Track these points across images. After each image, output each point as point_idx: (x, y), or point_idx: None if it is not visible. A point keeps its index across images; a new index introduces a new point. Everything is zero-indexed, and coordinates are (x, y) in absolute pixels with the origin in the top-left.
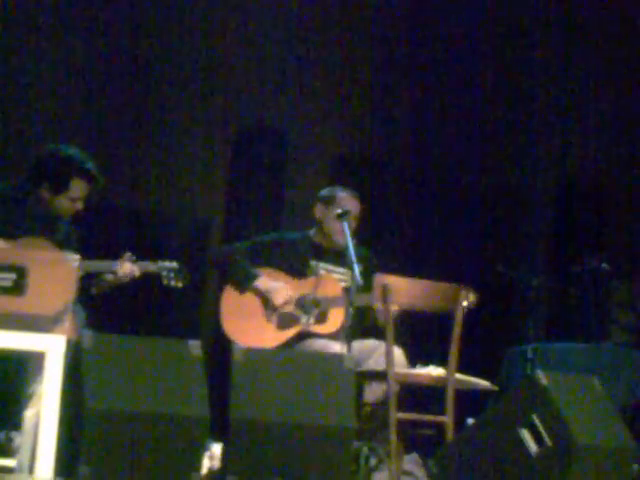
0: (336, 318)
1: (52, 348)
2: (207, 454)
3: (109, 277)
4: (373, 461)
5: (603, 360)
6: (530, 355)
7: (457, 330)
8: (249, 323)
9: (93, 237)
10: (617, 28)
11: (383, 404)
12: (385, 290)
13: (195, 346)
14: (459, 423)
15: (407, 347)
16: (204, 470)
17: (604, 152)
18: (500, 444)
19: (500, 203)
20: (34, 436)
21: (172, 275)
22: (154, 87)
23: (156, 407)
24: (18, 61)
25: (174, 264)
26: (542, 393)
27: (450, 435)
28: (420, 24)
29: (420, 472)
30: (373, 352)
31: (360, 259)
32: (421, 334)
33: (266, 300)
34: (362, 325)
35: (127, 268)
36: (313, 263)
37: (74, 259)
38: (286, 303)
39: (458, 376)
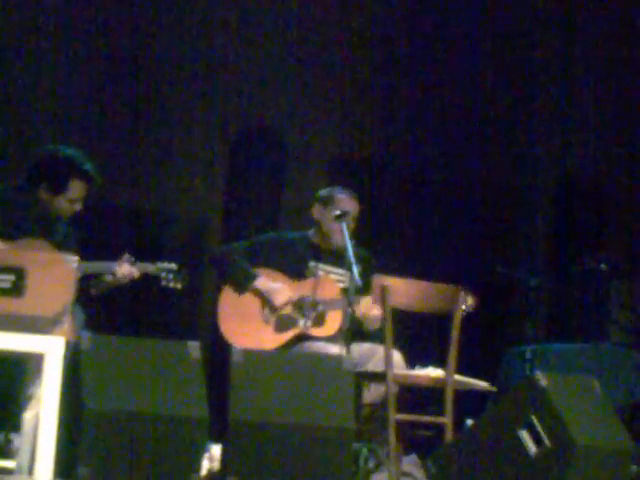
0: (334, 321)
1: (51, 349)
2: (206, 455)
3: (108, 278)
4: (372, 462)
5: (602, 360)
6: (529, 356)
7: (456, 331)
8: (247, 325)
9: (92, 238)
10: (617, 28)
11: (382, 405)
12: (384, 291)
13: (194, 347)
14: (458, 424)
15: (406, 348)
16: (203, 471)
17: (604, 152)
18: (499, 445)
19: (500, 203)
20: (33, 438)
21: (171, 276)
22: (154, 87)
23: (155, 408)
24: (18, 61)
25: (173, 265)
26: (541, 394)
27: (449, 436)
28: (420, 24)
29: (419, 473)
30: (372, 355)
31: (359, 260)
32: (420, 335)
33: (265, 301)
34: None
35: (126, 269)
36: (312, 264)
37: (73, 260)
38: (286, 304)
39: (457, 377)
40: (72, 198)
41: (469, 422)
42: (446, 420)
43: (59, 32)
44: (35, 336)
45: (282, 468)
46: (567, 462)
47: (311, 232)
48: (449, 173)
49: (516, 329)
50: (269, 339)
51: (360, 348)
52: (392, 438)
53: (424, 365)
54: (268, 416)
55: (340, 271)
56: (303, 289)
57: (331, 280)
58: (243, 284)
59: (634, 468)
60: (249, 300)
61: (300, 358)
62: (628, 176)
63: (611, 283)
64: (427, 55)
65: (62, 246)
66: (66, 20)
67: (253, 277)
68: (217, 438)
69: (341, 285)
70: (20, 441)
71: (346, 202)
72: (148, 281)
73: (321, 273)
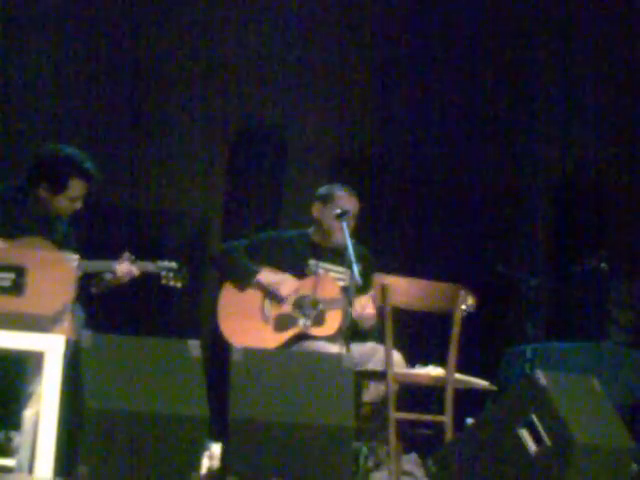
0: (334, 320)
1: (51, 348)
2: (206, 454)
3: (108, 277)
4: (372, 461)
5: (603, 360)
6: (529, 355)
7: (456, 330)
8: (246, 325)
9: (92, 237)
10: (617, 28)
11: (382, 404)
12: (384, 290)
13: (194, 346)
14: (458, 423)
15: (406, 348)
16: (203, 470)
17: (604, 152)
18: (499, 444)
19: (500, 203)
20: (33, 436)
21: (171, 275)
22: (154, 87)
23: (155, 407)
24: (18, 61)
25: (173, 264)
26: (541, 393)
27: (449, 435)
28: (420, 24)
29: (419, 472)
30: (373, 355)
31: (359, 259)
32: (420, 334)
33: (269, 294)
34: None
35: (126, 268)
36: (312, 262)
37: (73, 259)
38: (293, 292)
39: (457, 376)
40: (72, 197)
41: (469, 421)
42: (446, 419)
43: (59, 32)
44: (35, 334)
45: (282, 467)
46: (567, 461)
47: (311, 230)
48: (449, 173)
49: (516, 329)
50: (269, 338)
51: (360, 348)
52: (392, 437)
53: (424, 364)
54: (268, 415)
55: (340, 269)
56: (303, 288)
57: (332, 279)
58: (246, 279)
59: (634, 467)
60: (249, 299)
61: (300, 357)
62: (628, 176)
63: (611, 283)
64: (427, 55)
65: (62, 245)
66: (66, 20)
67: (255, 271)
68: (217, 437)
69: (341, 283)
70: (20, 439)
71: (346, 200)
72: (148, 280)
73: (321, 271)
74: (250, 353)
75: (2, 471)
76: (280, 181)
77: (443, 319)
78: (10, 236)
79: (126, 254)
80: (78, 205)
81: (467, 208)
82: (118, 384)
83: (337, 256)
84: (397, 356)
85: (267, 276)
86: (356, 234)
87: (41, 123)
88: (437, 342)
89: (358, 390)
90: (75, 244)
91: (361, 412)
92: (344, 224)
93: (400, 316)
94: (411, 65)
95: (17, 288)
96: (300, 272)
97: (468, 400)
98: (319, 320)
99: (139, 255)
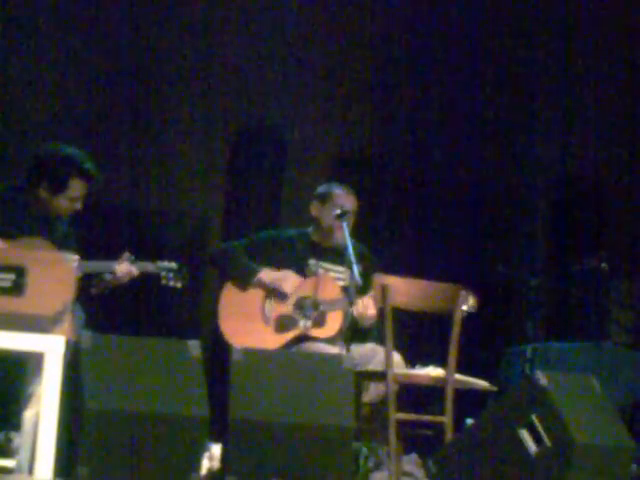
0: (334, 322)
1: (51, 348)
2: (206, 454)
3: (108, 277)
4: (372, 461)
5: (603, 360)
6: (529, 355)
7: (456, 330)
8: (247, 325)
9: (92, 237)
10: (617, 28)
11: (382, 404)
12: (384, 290)
13: (194, 346)
14: (458, 423)
15: (406, 348)
16: (203, 470)
17: (604, 152)
18: (499, 444)
19: (500, 203)
20: (33, 436)
21: (171, 275)
22: (154, 87)
23: (155, 407)
24: (18, 61)
25: (173, 264)
26: (541, 393)
27: (449, 435)
28: (420, 24)
29: (420, 472)
30: (373, 357)
31: (359, 258)
32: (420, 334)
33: (271, 292)
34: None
35: (126, 268)
36: (312, 262)
37: (73, 259)
38: (296, 289)
39: (457, 376)
40: (72, 197)
41: (469, 421)
42: (446, 419)
43: (59, 31)
44: (35, 335)
45: (282, 467)
46: (567, 461)
47: (310, 229)
48: (449, 173)
49: (516, 329)
50: (269, 340)
51: (360, 349)
52: (392, 437)
53: (424, 364)
54: (268, 415)
55: (340, 269)
56: (304, 288)
57: (332, 280)
58: (246, 278)
59: (634, 467)
60: (250, 300)
61: (300, 357)
62: (628, 176)
63: (611, 283)
64: (427, 55)
65: (62, 245)
66: (66, 20)
67: (256, 270)
68: (217, 437)
69: (341, 283)
70: (20, 440)
71: (344, 198)
72: (148, 280)
73: (321, 271)
74: (250, 353)
75: (2, 472)
76: (280, 181)
77: (443, 319)
78: (10, 236)
79: (126, 254)
80: (78, 205)
81: (467, 208)
82: (118, 384)
83: (337, 256)
84: (397, 357)
85: (268, 274)
86: (355, 233)
87: (41, 123)
88: (437, 342)
89: (358, 391)
90: (75, 244)
91: (361, 413)
92: (344, 224)
93: (400, 316)
94: (411, 65)
95: (17, 288)
96: (300, 272)
97: (468, 400)
98: (320, 321)
99: (139, 255)
